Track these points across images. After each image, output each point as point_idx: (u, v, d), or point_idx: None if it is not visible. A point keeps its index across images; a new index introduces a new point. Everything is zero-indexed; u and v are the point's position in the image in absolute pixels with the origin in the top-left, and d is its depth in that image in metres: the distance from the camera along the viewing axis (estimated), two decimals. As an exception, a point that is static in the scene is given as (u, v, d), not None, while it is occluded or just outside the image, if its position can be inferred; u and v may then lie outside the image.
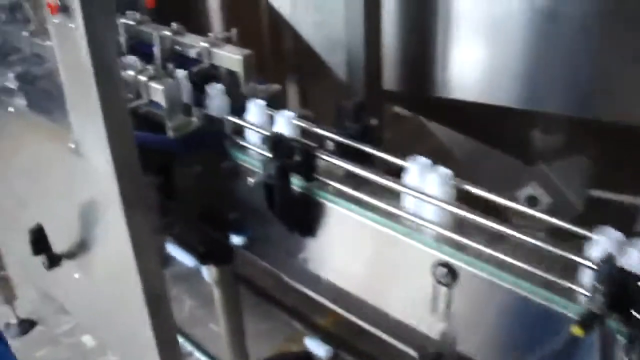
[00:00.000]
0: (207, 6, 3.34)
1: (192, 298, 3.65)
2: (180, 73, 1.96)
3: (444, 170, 1.49)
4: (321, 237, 1.72)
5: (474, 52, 2.33)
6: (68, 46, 1.53)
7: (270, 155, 1.64)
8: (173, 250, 3.24)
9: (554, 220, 1.36)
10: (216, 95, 1.91)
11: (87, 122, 1.62)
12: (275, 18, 2.88)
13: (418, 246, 1.48)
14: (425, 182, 1.49)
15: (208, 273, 2.41)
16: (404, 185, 1.53)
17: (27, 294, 3.65)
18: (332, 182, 1.64)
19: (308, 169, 1.65)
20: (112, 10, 1.48)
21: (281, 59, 3.37)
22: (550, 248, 1.30)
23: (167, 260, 3.68)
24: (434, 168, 1.51)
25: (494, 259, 1.38)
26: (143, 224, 1.75)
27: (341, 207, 1.62)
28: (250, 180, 1.63)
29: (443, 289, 1.46)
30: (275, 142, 1.61)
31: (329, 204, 1.65)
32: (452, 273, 1.42)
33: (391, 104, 2.83)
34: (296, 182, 1.68)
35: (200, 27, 3.32)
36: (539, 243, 1.32)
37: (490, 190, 1.47)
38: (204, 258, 2.25)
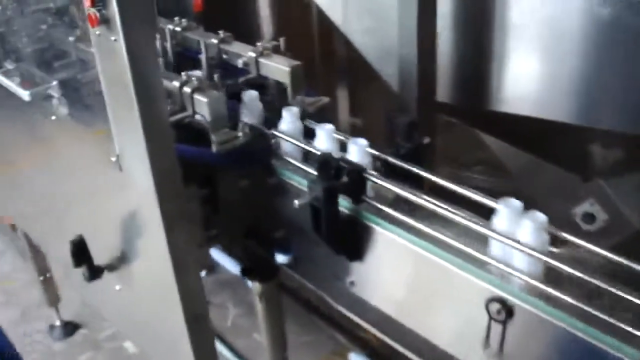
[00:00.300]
0: (256, 10, 3.28)
1: (237, 306, 3.61)
2: (251, 94, 1.89)
3: (539, 216, 1.35)
4: (369, 261, 1.63)
5: (531, 65, 2.22)
6: (109, 58, 1.48)
7: (317, 175, 1.56)
8: (218, 257, 3.20)
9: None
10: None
11: (128, 136, 1.57)
12: (326, 24, 2.80)
13: (472, 279, 1.38)
14: (515, 227, 1.35)
15: (252, 286, 2.34)
16: (492, 230, 1.38)
17: (71, 297, 3.64)
18: (382, 206, 1.55)
19: (357, 191, 1.56)
20: (153, 23, 1.42)
21: (331, 65, 3.28)
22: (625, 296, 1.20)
23: (212, 266, 3.66)
24: (527, 214, 1.36)
25: (554, 298, 1.27)
26: (184, 241, 1.69)
27: (391, 232, 1.53)
28: (296, 201, 1.54)
29: (497, 326, 1.36)
30: (323, 163, 1.52)
31: (378, 229, 1.56)
32: (507, 310, 1.32)
33: (444, 115, 2.72)
34: (344, 204, 1.60)
35: (249, 31, 3.26)
36: (614, 290, 1.21)
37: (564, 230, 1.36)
38: (248, 273, 2.18)
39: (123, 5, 1.36)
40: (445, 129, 3.17)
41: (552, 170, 2.75)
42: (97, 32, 1.46)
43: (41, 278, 3.45)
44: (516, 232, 1.34)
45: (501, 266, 1.35)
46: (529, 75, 2.26)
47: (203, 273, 3.69)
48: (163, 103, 1.52)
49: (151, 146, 1.51)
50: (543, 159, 2.76)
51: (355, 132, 3.49)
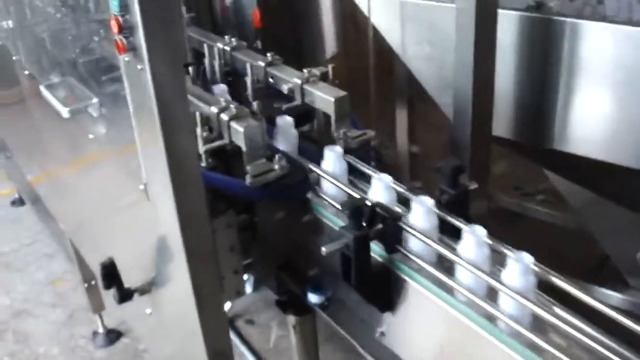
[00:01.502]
0: (315, 28, 3.21)
1: (280, 326, 3.53)
2: (336, 150, 1.75)
3: None
4: (401, 314, 1.52)
5: (600, 105, 2.07)
6: (136, 86, 1.42)
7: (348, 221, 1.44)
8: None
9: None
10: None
11: (154, 165, 1.50)
12: (385, 48, 2.70)
13: (507, 351, 1.26)
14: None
15: (287, 318, 2.25)
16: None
17: (115, 304, 3.62)
18: (416, 259, 1.43)
19: (391, 240, 1.45)
20: (181, 53, 1.34)
21: (390, 88, 3.19)
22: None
23: (258, 283, 3.58)
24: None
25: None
26: (208, 278, 1.63)
27: (424, 287, 1.41)
28: (323, 248, 1.44)
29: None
30: (354, 209, 1.41)
31: (412, 282, 1.44)
32: (544, 390, 1.19)
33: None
34: (377, 250, 1.49)
35: (307, 48, 3.19)
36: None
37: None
38: (282, 307, 2.10)
39: (150, 34, 1.29)
40: (501, 156, 3.04)
41: (616, 210, 2.61)
42: (126, 59, 1.40)
43: (86, 285, 3.43)
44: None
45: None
46: (598, 116, 2.12)
47: (249, 290, 3.62)
48: (190, 134, 1.45)
49: (176, 179, 1.44)
50: (607, 197, 2.62)
51: (412, 159, 3.44)
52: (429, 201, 1.47)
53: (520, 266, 1.27)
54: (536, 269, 1.30)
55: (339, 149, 1.72)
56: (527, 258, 1.29)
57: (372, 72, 2.87)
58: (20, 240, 4.57)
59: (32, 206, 4.50)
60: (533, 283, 1.28)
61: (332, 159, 1.70)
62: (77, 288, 3.84)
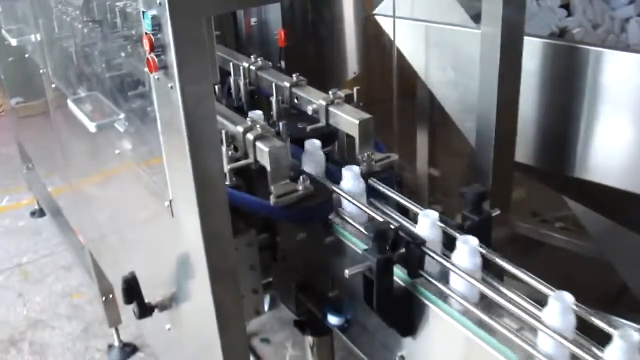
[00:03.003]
0: (338, 50, 3.23)
1: (295, 347, 3.52)
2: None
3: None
4: (422, 339, 1.52)
5: (621, 134, 2.08)
6: (165, 104, 1.43)
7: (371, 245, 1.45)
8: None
9: None
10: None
11: (180, 183, 1.51)
12: (408, 71, 2.71)
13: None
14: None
15: (305, 338, 2.25)
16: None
17: (132, 318, 3.63)
18: (439, 284, 1.44)
19: (414, 264, 1.46)
20: (211, 73, 1.35)
21: (411, 111, 3.20)
22: None
23: (275, 301, 3.59)
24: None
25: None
26: (229, 296, 1.63)
27: (446, 313, 1.41)
28: (346, 271, 1.44)
29: None
30: (378, 233, 1.42)
31: (433, 307, 1.44)
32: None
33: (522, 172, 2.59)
34: (399, 275, 1.50)
35: (329, 69, 3.21)
36: None
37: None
38: (300, 327, 2.10)
39: (181, 53, 1.31)
40: (522, 186, 3.04)
41: (636, 239, 2.60)
42: (156, 77, 1.42)
43: (103, 298, 3.44)
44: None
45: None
46: (620, 144, 2.12)
47: (266, 306, 3.62)
48: (217, 154, 1.46)
49: (201, 197, 1.45)
50: (627, 226, 2.61)
51: (431, 182, 3.45)
52: (474, 241, 1.44)
53: (560, 305, 1.25)
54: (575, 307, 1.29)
55: (356, 168, 1.73)
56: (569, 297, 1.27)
57: (394, 94, 2.88)
58: (39, 252, 4.60)
59: (51, 217, 4.53)
60: (573, 323, 1.26)
61: (351, 179, 1.71)
62: (93, 301, 3.86)
